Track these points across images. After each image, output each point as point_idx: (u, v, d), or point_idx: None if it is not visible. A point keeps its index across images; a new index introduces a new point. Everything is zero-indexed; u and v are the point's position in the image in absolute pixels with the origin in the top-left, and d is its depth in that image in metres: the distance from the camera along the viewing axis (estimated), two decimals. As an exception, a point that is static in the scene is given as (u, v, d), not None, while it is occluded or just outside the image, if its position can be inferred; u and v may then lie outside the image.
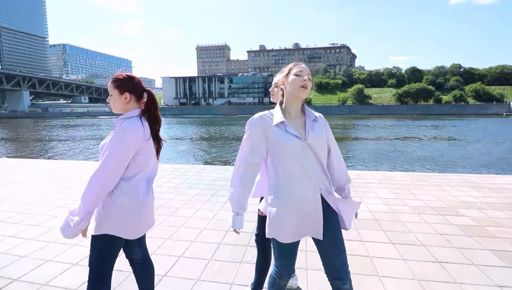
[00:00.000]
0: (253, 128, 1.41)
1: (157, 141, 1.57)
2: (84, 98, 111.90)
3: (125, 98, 1.49)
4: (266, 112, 1.45)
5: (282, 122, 1.36)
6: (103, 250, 1.46)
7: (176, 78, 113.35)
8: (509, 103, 73.61)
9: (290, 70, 1.45)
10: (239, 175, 1.45)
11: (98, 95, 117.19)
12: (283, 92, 1.46)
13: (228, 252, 2.67)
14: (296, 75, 1.40)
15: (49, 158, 13.17)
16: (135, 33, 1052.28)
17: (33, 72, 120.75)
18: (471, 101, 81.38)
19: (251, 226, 3.19)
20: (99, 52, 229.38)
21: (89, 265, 1.47)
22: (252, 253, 2.56)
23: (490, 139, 20.07)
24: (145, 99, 1.55)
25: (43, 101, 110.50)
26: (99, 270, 1.45)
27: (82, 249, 2.66)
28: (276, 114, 1.41)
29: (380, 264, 2.43)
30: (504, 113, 67.35)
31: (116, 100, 1.50)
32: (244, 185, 1.45)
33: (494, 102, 77.76)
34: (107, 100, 1.56)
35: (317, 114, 1.48)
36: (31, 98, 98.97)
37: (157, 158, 1.61)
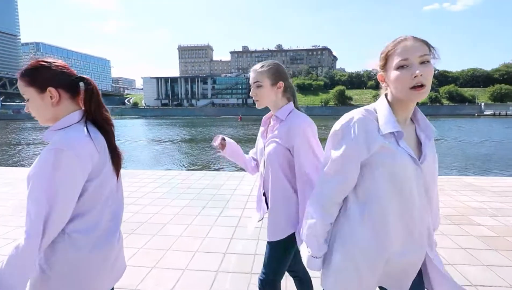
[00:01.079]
0: (355, 138, 0.88)
1: (115, 155, 1.01)
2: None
3: (51, 97, 0.92)
4: (365, 108, 0.95)
5: (397, 132, 0.87)
6: None
7: (157, 78, 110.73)
8: (480, 104, 77.64)
9: (388, 55, 0.90)
10: (326, 209, 0.94)
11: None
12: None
13: (229, 282, 2.21)
14: (400, 67, 0.86)
15: (16, 164, 12.05)
16: (114, 33, 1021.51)
17: (4, 72, 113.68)
18: (445, 102, 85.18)
19: (252, 246, 2.76)
20: (75, 51, 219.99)
21: None
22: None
23: (467, 139, 20.75)
24: (82, 94, 0.98)
25: (15, 102, 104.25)
26: None
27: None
28: (384, 115, 0.90)
29: None
30: (476, 114, 70.90)
31: (38, 105, 0.93)
32: (331, 221, 0.97)
33: (467, 103, 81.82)
34: (25, 109, 0.99)
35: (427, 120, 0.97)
36: (1, 99, 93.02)
37: (118, 179, 1.04)
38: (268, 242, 1.35)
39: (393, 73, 0.87)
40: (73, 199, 0.86)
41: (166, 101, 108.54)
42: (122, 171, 1.08)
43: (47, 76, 0.93)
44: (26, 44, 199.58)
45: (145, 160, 13.10)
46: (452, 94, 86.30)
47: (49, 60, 0.96)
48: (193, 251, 2.70)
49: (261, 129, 1.45)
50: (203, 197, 4.31)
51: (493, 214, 3.58)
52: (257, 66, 1.38)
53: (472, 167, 10.83)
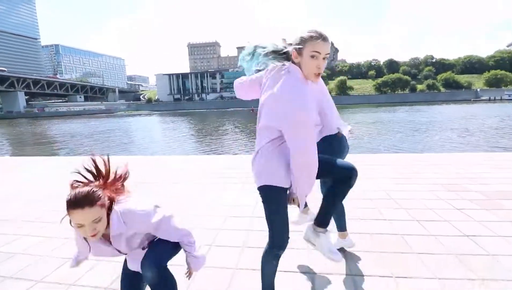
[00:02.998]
0: None
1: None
2: (80, 97, 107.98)
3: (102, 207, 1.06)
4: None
5: None
6: None
7: (169, 75, 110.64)
8: (476, 90, 75.56)
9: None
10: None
11: (93, 94, 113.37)
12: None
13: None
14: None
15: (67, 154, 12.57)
16: (127, 31, 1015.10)
17: (27, 74, 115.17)
18: (442, 89, 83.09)
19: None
20: (91, 52, 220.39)
21: None
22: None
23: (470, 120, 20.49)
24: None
25: (38, 101, 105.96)
26: None
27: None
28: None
29: (412, 241, 2.30)
30: (472, 99, 69.14)
31: (104, 221, 1.05)
32: None
33: (463, 90, 79.67)
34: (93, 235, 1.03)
35: None
36: (26, 98, 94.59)
37: None
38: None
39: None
40: None
41: (178, 96, 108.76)
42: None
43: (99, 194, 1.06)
44: (46, 46, 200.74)
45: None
46: (449, 81, 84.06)
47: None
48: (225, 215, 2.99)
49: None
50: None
51: (485, 183, 3.75)
52: (328, 37, 1.23)
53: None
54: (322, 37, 1.19)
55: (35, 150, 15.19)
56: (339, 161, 1.42)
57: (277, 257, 1.38)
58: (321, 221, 1.47)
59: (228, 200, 3.42)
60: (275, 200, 1.31)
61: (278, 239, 1.34)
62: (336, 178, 1.42)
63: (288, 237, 1.36)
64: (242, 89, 1.63)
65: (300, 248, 2.20)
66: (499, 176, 3.98)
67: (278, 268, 1.47)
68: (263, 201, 1.35)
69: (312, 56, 1.19)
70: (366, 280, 1.84)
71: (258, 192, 1.36)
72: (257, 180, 1.32)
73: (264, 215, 1.40)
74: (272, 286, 1.45)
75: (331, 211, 1.48)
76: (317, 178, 1.31)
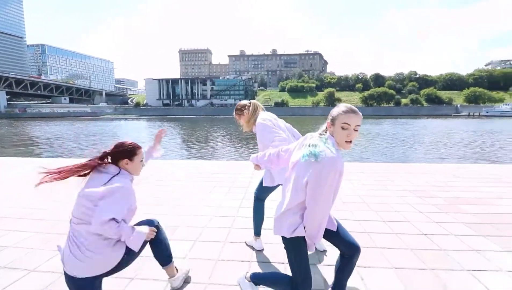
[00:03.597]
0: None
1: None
2: (65, 99, 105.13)
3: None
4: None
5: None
6: None
7: (159, 80, 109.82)
8: (457, 106, 79.39)
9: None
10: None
11: (79, 96, 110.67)
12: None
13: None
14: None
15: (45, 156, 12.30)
16: (117, 34, 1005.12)
17: (10, 72, 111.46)
18: (425, 103, 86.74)
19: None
20: (79, 53, 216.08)
21: None
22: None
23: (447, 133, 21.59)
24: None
25: (21, 101, 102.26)
26: None
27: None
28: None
29: (377, 238, 2.59)
30: (452, 114, 72.50)
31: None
32: None
33: (444, 105, 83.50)
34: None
35: None
36: (7, 98, 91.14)
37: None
38: None
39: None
40: None
41: (168, 101, 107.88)
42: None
43: None
44: (32, 45, 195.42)
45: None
46: (431, 96, 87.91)
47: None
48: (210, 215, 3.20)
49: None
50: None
51: (448, 190, 4.13)
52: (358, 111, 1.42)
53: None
54: (353, 111, 1.37)
55: (18, 151, 14.80)
56: (349, 235, 1.64)
57: None
58: None
59: (215, 202, 3.63)
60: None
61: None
62: (341, 250, 1.64)
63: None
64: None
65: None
66: (461, 185, 4.39)
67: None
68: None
69: (343, 128, 1.37)
70: (332, 269, 2.09)
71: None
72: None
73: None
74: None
75: (343, 284, 1.70)
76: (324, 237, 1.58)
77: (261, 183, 2.27)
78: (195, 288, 1.90)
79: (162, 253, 1.75)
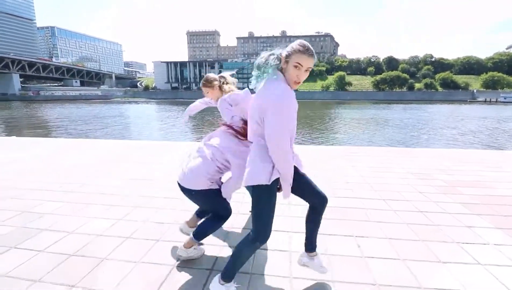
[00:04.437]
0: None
1: None
2: (76, 82, 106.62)
3: None
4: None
5: None
6: None
7: (167, 63, 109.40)
8: (473, 91, 76.41)
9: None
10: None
11: (90, 79, 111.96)
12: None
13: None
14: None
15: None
16: (125, 17, 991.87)
17: (22, 55, 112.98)
18: (440, 88, 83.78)
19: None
20: (88, 36, 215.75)
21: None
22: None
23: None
24: None
25: (33, 84, 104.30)
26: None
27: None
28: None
29: (375, 214, 2.80)
30: (468, 100, 70.03)
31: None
32: None
33: (460, 90, 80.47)
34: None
35: None
36: (21, 80, 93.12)
37: None
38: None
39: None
40: None
41: (176, 84, 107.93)
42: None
43: None
44: (42, 28, 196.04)
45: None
46: (447, 81, 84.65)
47: None
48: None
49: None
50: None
51: (450, 173, 4.26)
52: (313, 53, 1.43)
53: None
54: (308, 52, 1.38)
55: (44, 132, 15.47)
56: (317, 187, 1.72)
57: (257, 248, 1.57)
58: (311, 247, 1.81)
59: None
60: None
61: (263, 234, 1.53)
62: (311, 202, 1.72)
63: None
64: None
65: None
66: (465, 168, 4.50)
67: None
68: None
69: (295, 67, 1.40)
70: (332, 238, 2.34)
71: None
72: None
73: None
74: (241, 266, 1.63)
75: (315, 234, 1.80)
76: (294, 192, 1.61)
77: None
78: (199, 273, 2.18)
79: (204, 228, 1.93)
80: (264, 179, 1.45)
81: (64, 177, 3.96)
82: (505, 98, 65.24)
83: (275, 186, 1.51)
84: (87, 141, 7.27)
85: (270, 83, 1.44)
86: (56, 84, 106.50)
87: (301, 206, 2.75)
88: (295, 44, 1.42)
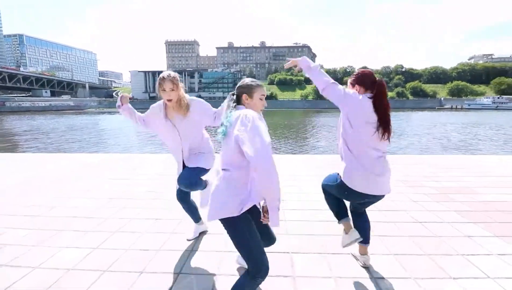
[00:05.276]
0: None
1: None
2: (46, 92, 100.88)
3: None
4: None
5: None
6: None
7: (145, 72, 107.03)
8: (440, 99, 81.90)
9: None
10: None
11: (61, 89, 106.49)
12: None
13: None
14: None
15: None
16: (99, 25, 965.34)
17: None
18: (410, 97, 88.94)
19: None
20: (60, 44, 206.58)
21: None
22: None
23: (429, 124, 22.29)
24: None
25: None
26: None
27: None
28: None
29: (374, 226, 2.67)
30: (436, 107, 74.80)
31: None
32: None
33: (429, 98, 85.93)
34: None
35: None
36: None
37: None
38: None
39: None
40: None
41: (154, 94, 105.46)
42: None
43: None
44: (9, 36, 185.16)
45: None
46: (416, 89, 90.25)
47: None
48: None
49: None
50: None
51: (437, 180, 4.32)
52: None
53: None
54: (262, 85, 1.59)
55: (9, 146, 14.17)
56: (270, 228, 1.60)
57: (259, 284, 1.41)
58: None
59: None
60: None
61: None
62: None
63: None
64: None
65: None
66: (449, 175, 4.59)
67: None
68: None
69: (261, 99, 1.57)
70: (336, 258, 2.17)
71: None
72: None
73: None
74: None
75: None
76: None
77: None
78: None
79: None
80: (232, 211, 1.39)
81: (31, 199, 3.51)
82: (469, 105, 70.50)
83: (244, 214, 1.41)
84: (58, 155, 6.68)
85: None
86: (24, 95, 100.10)
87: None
88: (249, 82, 1.57)
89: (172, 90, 2.00)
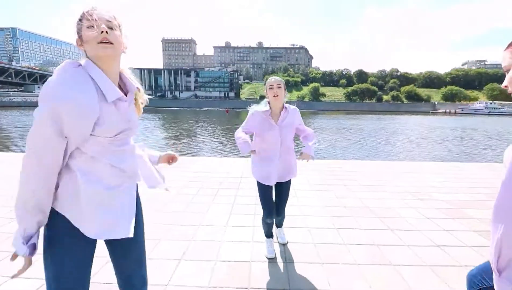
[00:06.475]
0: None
1: None
2: (38, 87, 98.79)
3: None
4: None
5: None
6: None
7: (141, 70, 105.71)
8: (435, 103, 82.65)
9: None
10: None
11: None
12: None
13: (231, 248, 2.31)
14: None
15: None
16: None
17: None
18: (405, 100, 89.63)
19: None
20: (54, 39, 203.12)
21: None
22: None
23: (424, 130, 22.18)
24: None
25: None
26: None
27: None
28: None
29: (388, 252, 2.29)
30: (431, 111, 75.44)
31: None
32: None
33: (423, 102, 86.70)
34: None
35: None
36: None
37: None
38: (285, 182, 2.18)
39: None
40: None
41: (150, 92, 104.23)
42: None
43: None
44: (1, 29, 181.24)
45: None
46: (411, 93, 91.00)
47: None
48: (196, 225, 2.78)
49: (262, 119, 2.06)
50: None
51: (447, 192, 3.96)
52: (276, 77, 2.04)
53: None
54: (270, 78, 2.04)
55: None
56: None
57: (268, 222, 2.17)
58: None
59: (202, 207, 3.21)
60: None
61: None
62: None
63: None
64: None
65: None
66: (458, 185, 4.23)
67: None
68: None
69: (270, 88, 2.01)
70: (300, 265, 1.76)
71: None
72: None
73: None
74: (270, 232, 2.24)
75: None
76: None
77: None
78: None
79: None
80: None
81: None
82: (462, 110, 71.26)
83: None
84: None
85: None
86: (16, 90, 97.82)
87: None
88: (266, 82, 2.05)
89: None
